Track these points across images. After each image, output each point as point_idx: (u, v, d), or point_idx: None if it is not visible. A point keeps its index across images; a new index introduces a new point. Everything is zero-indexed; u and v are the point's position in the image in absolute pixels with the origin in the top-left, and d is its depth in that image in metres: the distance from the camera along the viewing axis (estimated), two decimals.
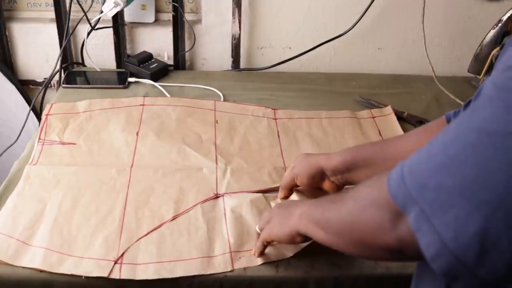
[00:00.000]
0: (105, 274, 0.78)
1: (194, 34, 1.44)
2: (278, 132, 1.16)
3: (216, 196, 0.94)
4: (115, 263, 0.80)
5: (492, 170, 0.43)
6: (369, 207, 0.54)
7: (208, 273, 0.79)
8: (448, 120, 0.77)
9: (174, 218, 0.89)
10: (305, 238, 0.71)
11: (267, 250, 0.83)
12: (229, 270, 0.80)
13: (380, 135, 1.17)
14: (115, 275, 0.78)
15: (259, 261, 0.81)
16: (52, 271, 0.78)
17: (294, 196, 0.91)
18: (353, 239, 0.58)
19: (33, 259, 0.79)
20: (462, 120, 0.48)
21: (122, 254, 0.81)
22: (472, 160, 0.44)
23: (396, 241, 0.50)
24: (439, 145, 0.48)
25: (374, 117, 1.23)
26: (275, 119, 1.20)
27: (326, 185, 0.87)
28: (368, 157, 0.82)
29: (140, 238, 0.85)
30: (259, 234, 0.82)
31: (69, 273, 0.78)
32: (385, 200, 0.50)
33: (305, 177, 0.87)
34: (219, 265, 0.81)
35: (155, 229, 0.87)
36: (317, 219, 0.66)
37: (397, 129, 1.19)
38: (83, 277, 0.77)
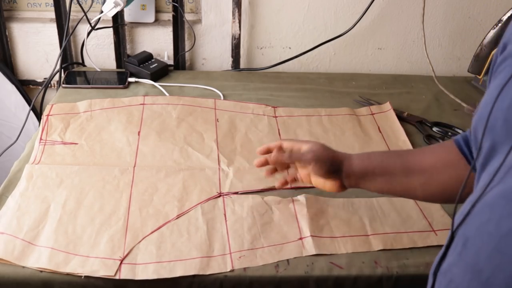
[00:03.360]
0: (111, 273, 0.77)
1: (194, 34, 1.44)
2: (279, 130, 1.16)
3: (220, 195, 0.94)
4: (121, 262, 0.80)
5: None
6: None
7: (207, 273, 0.79)
8: (458, 146, 0.75)
9: (178, 216, 0.89)
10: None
11: (267, 251, 0.83)
12: (229, 270, 0.80)
13: (380, 131, 1.17)
14: (115, 275, 0.78)
15: (259, 261, 0.81)
16: (58, 270, 0.78)
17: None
18: None
19: (39, 259, 0.79)
20: None
21: (128, 253, 0.81)
22: None
23: None
24: None
25: (373, 114, 1.23)
26: (276, 117, 1.20)
27: (332, 182, 0.84)
28: (387, 167, 0.80)
29: (146, 236, 0.85)
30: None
31: (75, 272, 0.77)
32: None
33: (320, 164, 0.83)
34: (219, 265, 0.80)
35: (160, 227, 0.87)
36: None
37: (396, 125, 1.19)
38: (82, 277, 0.77)
